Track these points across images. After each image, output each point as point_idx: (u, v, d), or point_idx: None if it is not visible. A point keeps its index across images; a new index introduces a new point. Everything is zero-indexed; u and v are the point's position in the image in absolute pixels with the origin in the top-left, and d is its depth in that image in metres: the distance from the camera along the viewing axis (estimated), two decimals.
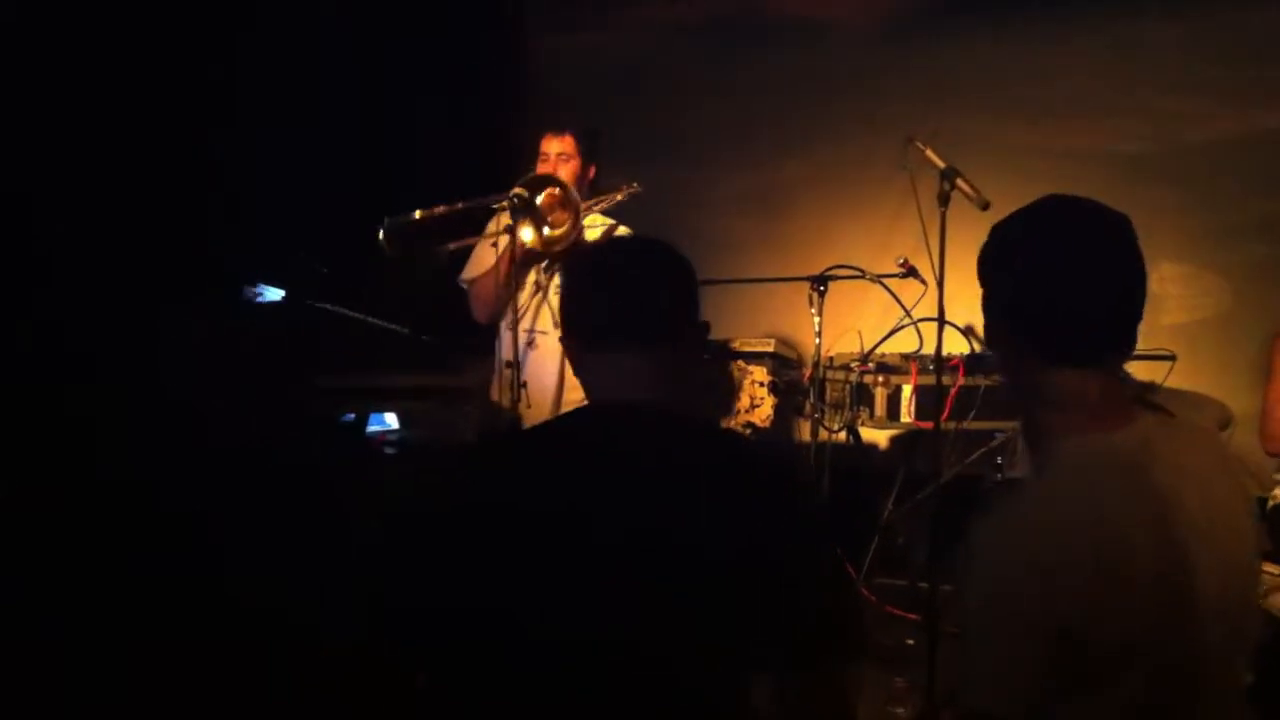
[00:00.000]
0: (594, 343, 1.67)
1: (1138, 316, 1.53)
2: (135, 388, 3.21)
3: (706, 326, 1.76)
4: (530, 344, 3.50)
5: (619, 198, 3.67)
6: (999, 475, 3.23)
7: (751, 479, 1.59)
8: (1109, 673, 1.39)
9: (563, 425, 1.72)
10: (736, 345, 4.61)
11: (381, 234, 3.32)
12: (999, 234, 1.63)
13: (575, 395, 3.63)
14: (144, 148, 3.59)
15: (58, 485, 2.97)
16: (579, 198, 3.45)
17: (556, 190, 3.47)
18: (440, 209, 3.46)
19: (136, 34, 3.65)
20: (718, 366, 4.46)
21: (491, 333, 3.72)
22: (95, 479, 3.01)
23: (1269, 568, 2.98)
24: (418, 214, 3.43)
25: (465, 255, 3.74)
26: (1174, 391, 3.56)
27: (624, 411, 1.62)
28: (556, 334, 3.61)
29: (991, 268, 1.62)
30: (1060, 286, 1.52)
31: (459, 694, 1.61)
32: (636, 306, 1.66)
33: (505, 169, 3.57)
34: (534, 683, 1.52)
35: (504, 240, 3.52)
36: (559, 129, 3.70)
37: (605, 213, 3.74)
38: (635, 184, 3.69)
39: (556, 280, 3.64)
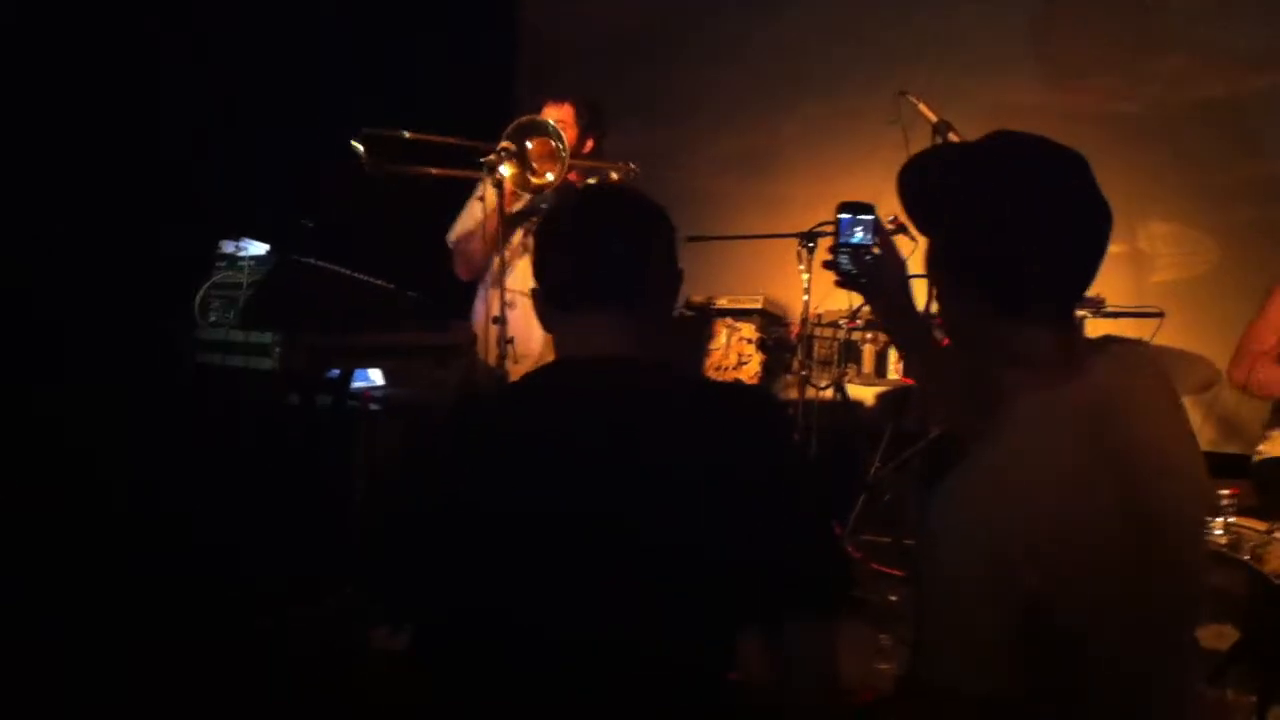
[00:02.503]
0: (562, 303, 1.67)
1: (1101, 260, 1.44)
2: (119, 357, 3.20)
3: (680, 275, 1.73)
4: (510, 304, 3.48)
5: (614, 175, 3.66)
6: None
7: (730, 422, 1.57)
8: (1078, 636, 1.33)
9: (533, 381, 1.70)
10: (724, 303, 4.60)
11: (360, 144, 3.31)
12: (942, 174, 1.51)
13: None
14: (124, 101, 3.55)
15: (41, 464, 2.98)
16: (566, 152, 3.43)
17: (548, 138, 3.45)
18: (434, 138, 3.48)
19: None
20: (706, 324, 4.46)
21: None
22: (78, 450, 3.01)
23: (1254, 524, 2.98)
24: (407, 134, 3.44)
25: (447, 197, 3.71)
26: (1161, 348, 3.56)
27: (593, 365, 1.62)
28: None
29: (936, 213, 1.50)
30: (1025, 235, 1.40)
31: (435, 652, 1.62)
32: (601, 266, 1.64)
33: (497, 126, 3.53)
34: (514, 638, 1.52)
35: (486, 194, 3.50)
36: (559, 97, 3.69)
37: None
38: (633, 165, 3.67)
39: None
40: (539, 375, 1.70)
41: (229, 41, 3.92)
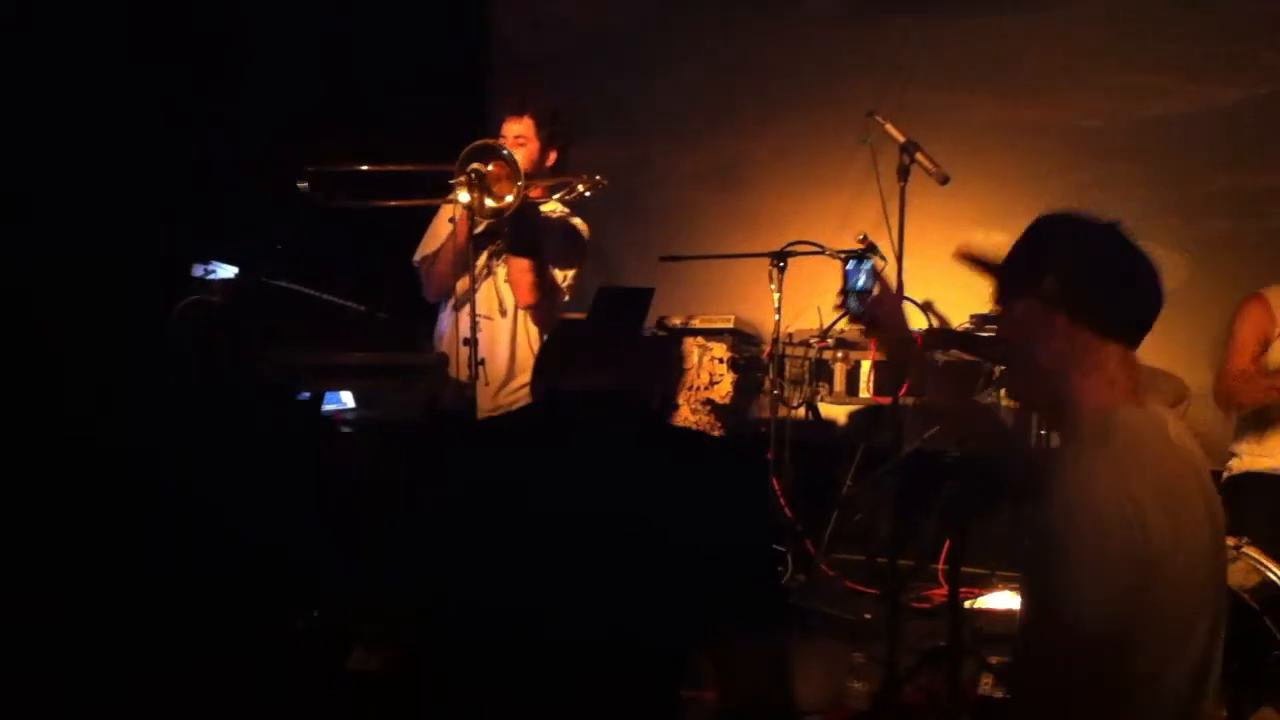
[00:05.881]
0: None
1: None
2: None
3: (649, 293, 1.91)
4: (475, 326, 3.44)
5: (580, 188, 3.53)
6: (955, 450, 3.24)
7: (686, 459, 1.71)
8: (1174, 605, 1.59)
9: (519, 414, 1.90)
10: (696, 322, 4.61)
11: (306, 182, 3.31)
12: (1049, 233, 1.81)
13: (524, 377, 3.63)
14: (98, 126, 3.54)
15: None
16: (520, 172, 3.35)
17: (503, 162, 3.40)
18: (390, 166, 3.44)
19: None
20: (678, 343, 4.46)
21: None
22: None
23: (1228, 540, 3.00)
24: (365, 167, 3.42)
25: (414, 216, 3.71)
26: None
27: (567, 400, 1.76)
28: (501, 319, 3.61)
29: (1050, 257, 1.78)
30: (1125, 275, 1.75)
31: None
32: None
33: (462, 137, 3.51)
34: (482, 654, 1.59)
35: (456, 214, 3.48)
36: (519, 110, 3.59)
37: (566, 204, 3.67)
38: (599, 177, 3.53)
39: (503, 270, 3.61)
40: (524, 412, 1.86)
41: (203, 62, 3.91)
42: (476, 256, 3.56)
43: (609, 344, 1.84)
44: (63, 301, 3.27)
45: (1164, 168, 4.78)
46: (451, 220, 3.56)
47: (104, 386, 3.11)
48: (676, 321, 4.61)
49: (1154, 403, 1.77)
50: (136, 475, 2.97)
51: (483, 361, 3.42)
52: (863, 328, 2.32)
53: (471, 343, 3.37)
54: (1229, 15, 4.72)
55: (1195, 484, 1.67)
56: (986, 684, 3.23)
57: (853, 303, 2.23)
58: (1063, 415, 1.74)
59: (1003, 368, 2.00)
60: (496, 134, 3.60)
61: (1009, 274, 1.82)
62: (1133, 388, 1.73)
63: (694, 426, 4.31)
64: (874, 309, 2.19)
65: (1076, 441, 1.69)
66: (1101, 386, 1.71)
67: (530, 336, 3.64)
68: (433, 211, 3.68)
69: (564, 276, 3.65)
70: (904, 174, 3.41)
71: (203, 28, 3.97)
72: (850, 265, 2.27)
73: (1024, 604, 1.76)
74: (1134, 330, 1.77)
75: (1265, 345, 3.55)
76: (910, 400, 3.91)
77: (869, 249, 3.96)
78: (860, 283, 2.25)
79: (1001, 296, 1.82)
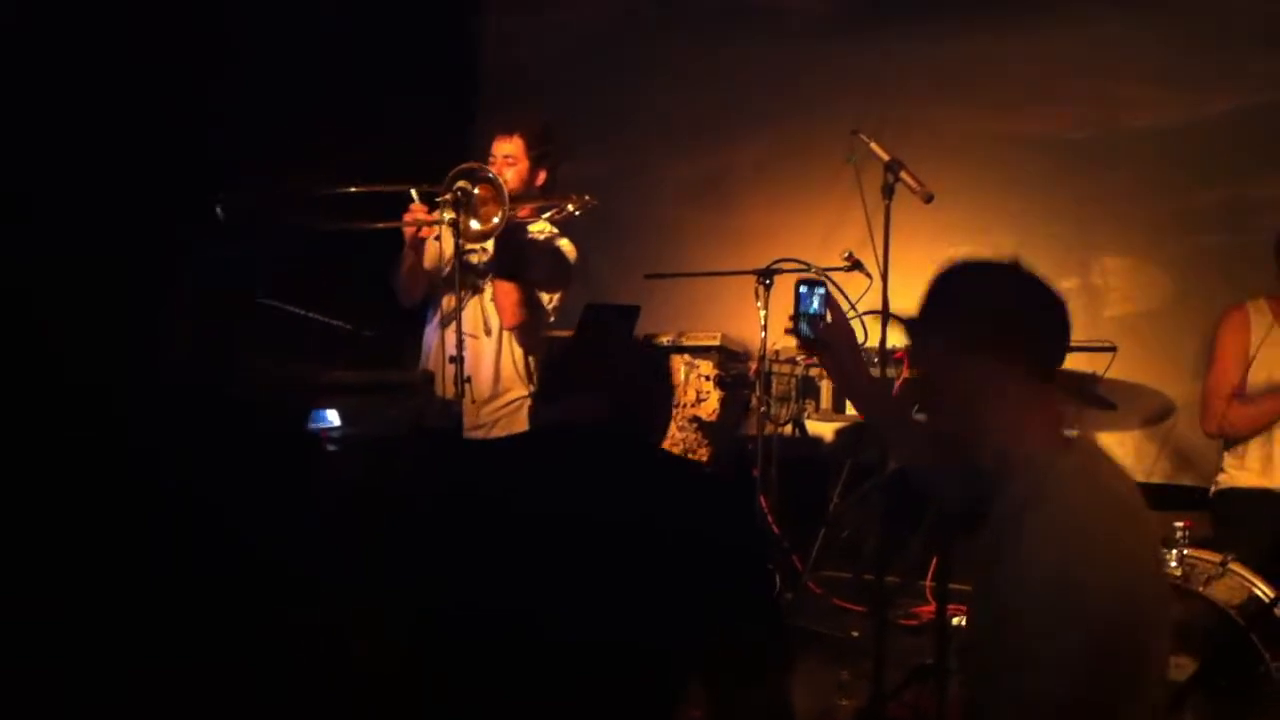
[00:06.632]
0: None
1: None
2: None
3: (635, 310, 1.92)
4: (460, 344, 3.44)
5: (569, 208, 3.51)
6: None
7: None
8: (1142, 655, 1.58)
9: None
10: (683, 340, 4.61)
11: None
12: (955, 279, 1.84)
13: (510, 394, 3.62)
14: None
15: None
16: (506, 197, 3.35)
17: (490, 186, 3.40)
18: (358, 188, 3.45)
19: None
20: (664, 361, 4.45)
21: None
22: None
23: (1208, 555, 3.00)
24: (355, 188, 3.45)
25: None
26: (1114, 383, 3.59)
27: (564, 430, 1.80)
28: (486, 339, 3.61)
29: (958, 304, 1.82)
30: (1041, 309, 1.78)
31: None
32: None
33: (448, 153, 3.51)
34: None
35: (441, 232, 3.49)
36: (508, 130, 3.59)
37: (554, 223, 3.65)
38: (589, 197, 3.52)
39: (489, 290, 3.61)
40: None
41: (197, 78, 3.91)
42: (467, 276, 3.56)
43: (607, 363, 1.88)
44: (63, 301, 3.26)
45: (1148, 180, 4.77)
46: (436, 239, 3.57)
47: (104, 387, 3.11)
48: (663, 339, 4.62)
49: (1073, 433, 1.78)
50: (134, 475, 2.97)
51: (468, 379, 3.42)
52: (809, 352, 2.32)
53: (458, 360, 3.37)
54: (1216, 24, 4.68)
55: (1129, 530, 1.64)
56: None
57: (804, 327, 2.24)
58: (993, 459, 1.72)
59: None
60: (486, 152, 3.60)
61: (926, 322, 1.84)
62: (1056, 423, 1.74)
63: (681, 444, 4.31)
64: (826, 334, 2.22)
65: (1006, 488, 1.67)
66: (1035, 427, 1.72)
67: (515, 356, 3.64)
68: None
69: (549, 299, 3.65)
70: (888, 192, 3.42)
71: (194, 43, 3.96)
72: (803, 289, 2.25)
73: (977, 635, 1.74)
74: (1052, 362, 1.79)
75: (1246, 358, 3.54)
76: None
77: (855, 265, 3.98)
78: (813, 307, 2.25)
79: (920, 348, 1.86)
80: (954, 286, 1.84)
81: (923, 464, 2.10)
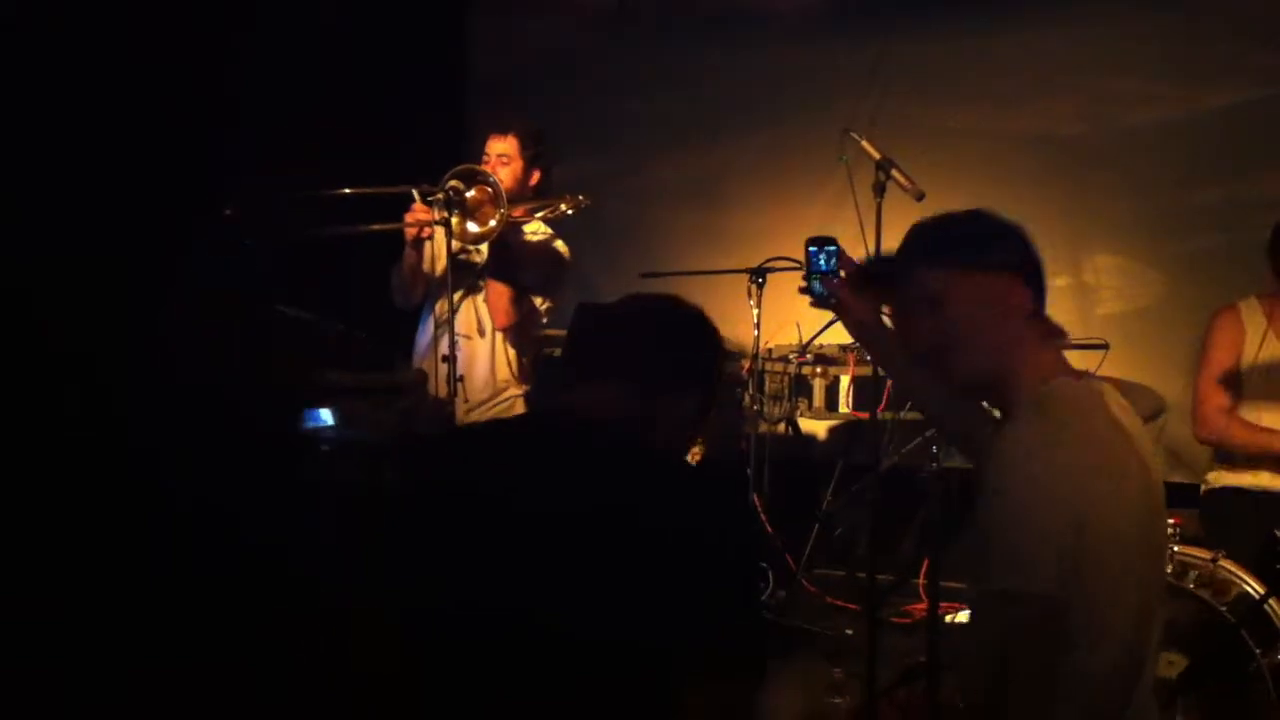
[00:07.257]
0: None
1: None
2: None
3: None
4: (453, 344, 3.44)
5: (563, 208, 3.53)
6: (934, 465, 3.25)
7: (675, 498, 1.68)
8: (1128, 565, 1.63)
9: (504, 424, 1.90)
10: None
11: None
12: (951, 216, 1.89)
13: (502, 396, 3.63)
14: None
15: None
16: (505, 200, 3.37)
17: (488, 188, 3.40)
18: (346, 191, 3.44)
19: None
20: None
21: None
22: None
23: (1199, 552, 3.01)
24: (347, 191, 3.42)
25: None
26: (1106, 381, 3.59)
27: (565, 418, 1.79)
28: (480, 339, 3.62)
29: (963, 228, 1.87)
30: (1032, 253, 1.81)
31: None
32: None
33: (437, 154, 3.51)
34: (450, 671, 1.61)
35: (435, 233, 3.50)
36: (503, 129, 3.59)
37: (549, 223, 3.66)
38: (583, 197, 3.54)
39: (482, 291, 3.61)
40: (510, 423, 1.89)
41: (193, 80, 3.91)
42: (461, 276, 3.57)
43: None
44: (62, 301, 3.26)
45: (1141, 178, 4.78)
46: (430, 239, 3.57)
47: (104, 386, 3.10)
48: None
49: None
50: (133, 475, 2.97)
51: (461, 379, 3.42)
52: (824, 309, 2.26)
53: (450, 360, 3.38)
54: (1215, 18, 4.68)
55: (1131, 455, 1.68)
56: None
57: (816, 285, 2.24)
58: (1006, 392, 1.75)
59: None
60: (480, 152, 3.61)
61: (950, 253, 1.83)
62: (1061, 355, 1.79)
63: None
64: (839, 290, 2.19)
65: (1015, 416, 1.71)
66: (1045, 356, 1.76)
67: (509, 357, 3.65)
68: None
69: (542, 301, 3.65)
70: (880, 191, 3.43)
71: (194, 43, 3.96)
72: (813, 249, 2.27)
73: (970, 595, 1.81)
74: (1044, 294, 1.82)
75: (1238, 358, 3.53)
76: (890, 415, 3.93)
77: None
78: (823, 264, 2.26)
79: (933, 281, 1.80)
80: (955, 219, 1.89)
81: (955, 412, 2.10)
